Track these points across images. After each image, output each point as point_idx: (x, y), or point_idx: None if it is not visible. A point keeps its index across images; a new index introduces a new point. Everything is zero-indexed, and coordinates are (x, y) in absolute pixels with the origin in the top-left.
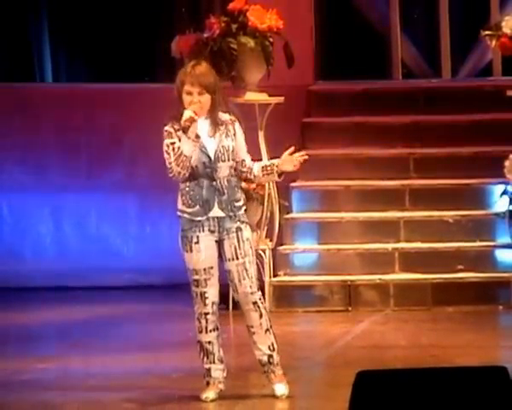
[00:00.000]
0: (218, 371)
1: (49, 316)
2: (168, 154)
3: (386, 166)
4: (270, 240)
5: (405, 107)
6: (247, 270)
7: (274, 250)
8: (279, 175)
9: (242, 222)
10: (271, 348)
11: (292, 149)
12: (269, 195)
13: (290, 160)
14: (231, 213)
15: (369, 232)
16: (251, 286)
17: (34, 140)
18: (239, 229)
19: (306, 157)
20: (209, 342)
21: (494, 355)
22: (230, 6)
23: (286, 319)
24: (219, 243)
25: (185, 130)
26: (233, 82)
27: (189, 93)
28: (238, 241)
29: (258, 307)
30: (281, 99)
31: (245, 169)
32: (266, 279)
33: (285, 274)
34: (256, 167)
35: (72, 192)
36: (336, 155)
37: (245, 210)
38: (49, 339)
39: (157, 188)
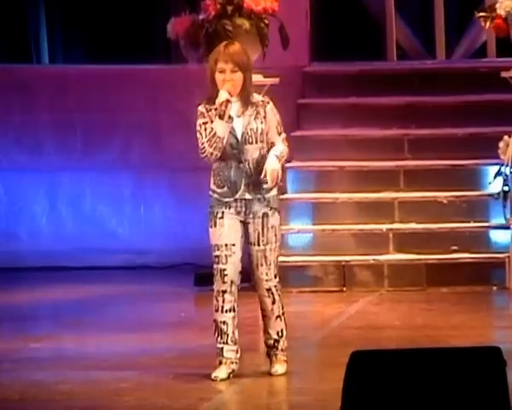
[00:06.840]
0: (230, 352)
1: (44, 296)
2: (200, 134)
3: (380, 147)
4: None
5: (400, 88)
6: (266, 257)
7: None
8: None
9: (271, 208)
10: (279, 334)
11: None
12: None
13: None
14: (259, 196)
15: (364, 213)
16: (267, 273)
17: (30, 120)
18: (265, 215)
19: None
20: (223, 322)
21: (488, 336)
22: None
23: None
24: (245, 224)
25: (221, 115)
26: None
27: (222, 71)
28: (263, 227)
29: (272, 293)
30: (276, 80)
31: None
32: None
33: (280, 254)
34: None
35: (67, 172)
36: (331, 135)
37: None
38: (44, 319)
39: (151, 168)
